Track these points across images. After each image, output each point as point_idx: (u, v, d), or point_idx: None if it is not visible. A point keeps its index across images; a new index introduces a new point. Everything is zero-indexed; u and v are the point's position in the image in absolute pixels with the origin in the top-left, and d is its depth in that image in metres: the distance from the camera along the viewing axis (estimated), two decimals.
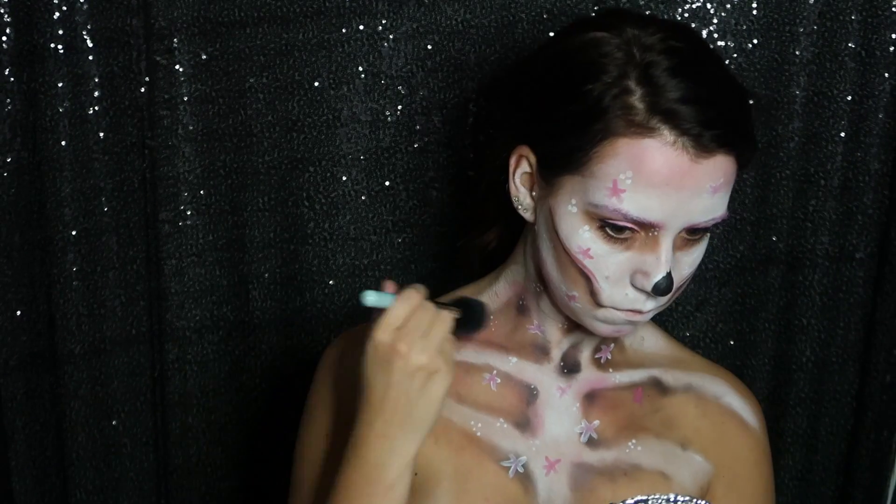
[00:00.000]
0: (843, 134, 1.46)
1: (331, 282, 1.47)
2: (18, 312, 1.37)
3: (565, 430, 1.22)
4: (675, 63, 1.10)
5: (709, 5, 1.42)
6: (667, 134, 1.09)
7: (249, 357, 1.49)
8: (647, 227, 1.11)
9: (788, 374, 1.55)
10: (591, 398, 1.23)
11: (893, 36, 1.42)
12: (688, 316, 1.51)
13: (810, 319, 1.52)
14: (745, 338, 1.53)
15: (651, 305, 1.14)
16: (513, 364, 1.23)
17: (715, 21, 1.42)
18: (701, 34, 1.25)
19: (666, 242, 1.11)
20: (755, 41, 1.43)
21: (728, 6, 1.41)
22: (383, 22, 1.39)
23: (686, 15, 1.41)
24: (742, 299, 1.51)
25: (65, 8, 1.32)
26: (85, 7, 1.33)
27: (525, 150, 1.17)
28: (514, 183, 1.18)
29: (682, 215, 1.10)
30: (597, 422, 1.22)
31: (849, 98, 1.45)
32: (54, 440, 1.43)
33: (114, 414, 1.45)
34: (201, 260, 1.44)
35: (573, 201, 1.13)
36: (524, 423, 1.21)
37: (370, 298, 1.06)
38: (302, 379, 1.30)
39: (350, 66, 1.40)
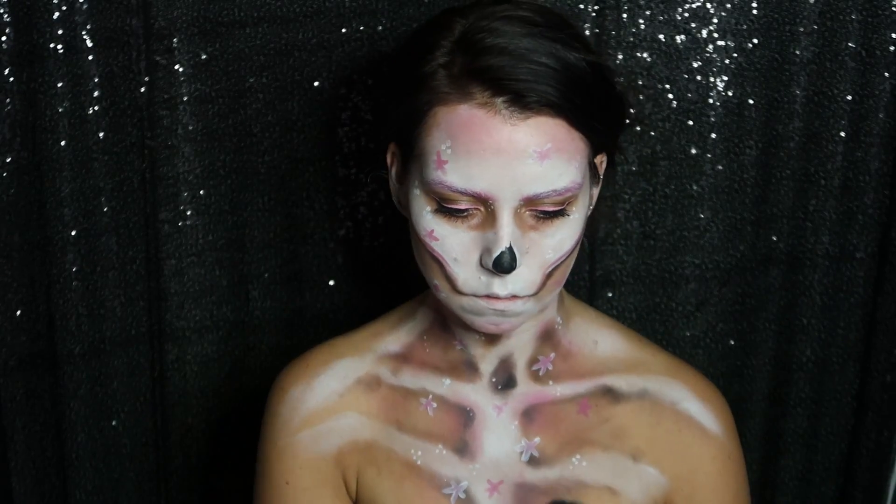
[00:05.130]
0: (843, 134, 1.46)
1: (331, 282, 1.47)
2: (18, 312, 1.37)
3: (505, 451, 1.20)
4: (504, 29, 1.08)
5: (709, 5, 1.41)
6: (478, 96, 1.07)
7: (249, 357, 1.49)
8: (481, 201, 1.08)
9: (788, 374, 1.54)
10: (529, 415, 1.21)
11: (893, 36, 1.42)
12: (688, 316, 1.51)
13: (810, 319, 1.52)
14: (745, 338, 1.53)
15: (509, 289, 1.09)
16: (447, 386, 1.21)
17: (715, 21, 1.42)
18: (564, 16, 1.19)
19: (504, 216, 1.07)
20: (755, 41, 1.43)
21: (728, 6, 1.41)
22: (383, 22, 1.39)
23: (686, 15, 1.41)
24: (742, 299, 1.51)
25: (64, 8, 1.32)
26: (85, 7, 1.32)
27: (394, 147, 1.17)
28: (392, 181, 1.18)
29: (510, 185, 1.07)
30: (537, 439, 1.20)
31: (849, 98, 1.45)
32: (54, 440, 1.43)
33: (114, 414, 1.45)
34: (201, 260, 1.44)
35: (416, 183, 1.12)
36: (463, 448, 1.20)
37: None
38: None
39: (350, 66, 1.40)
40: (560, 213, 1.10)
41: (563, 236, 1.11)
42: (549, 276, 1.11)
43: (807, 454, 1.58)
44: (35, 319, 1.38)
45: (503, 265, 1.07)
